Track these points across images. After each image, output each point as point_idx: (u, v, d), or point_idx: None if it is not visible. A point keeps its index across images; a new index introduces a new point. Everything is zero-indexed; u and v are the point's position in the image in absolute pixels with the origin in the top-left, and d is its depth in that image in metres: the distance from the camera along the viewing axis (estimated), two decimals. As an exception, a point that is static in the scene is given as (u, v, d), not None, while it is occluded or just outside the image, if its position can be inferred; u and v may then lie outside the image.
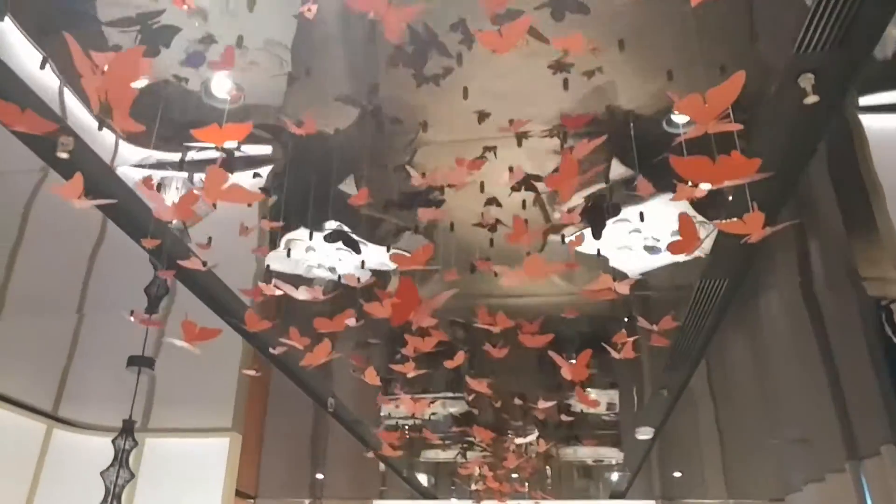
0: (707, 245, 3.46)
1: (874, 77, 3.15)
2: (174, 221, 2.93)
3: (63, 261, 4.04)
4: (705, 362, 5.94)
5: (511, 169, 2.72)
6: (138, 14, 2.26)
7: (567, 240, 3.35)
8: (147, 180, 1.82)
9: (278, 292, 2.53)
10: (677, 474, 8.19)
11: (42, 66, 2.27)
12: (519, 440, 4.46)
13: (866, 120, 4.75)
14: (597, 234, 3.86)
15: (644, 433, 6.01)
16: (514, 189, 2.65)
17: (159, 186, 2.78)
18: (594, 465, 8.82)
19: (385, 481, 9.36)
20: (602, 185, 2.96)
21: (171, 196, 3.78)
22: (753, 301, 6.44)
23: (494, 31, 1.78)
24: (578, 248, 4.09)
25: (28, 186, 3.18)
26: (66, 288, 4.17)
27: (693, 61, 2.53)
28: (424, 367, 3.26)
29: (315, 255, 3.64)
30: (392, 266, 3.19)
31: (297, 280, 2.68)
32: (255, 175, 3.50)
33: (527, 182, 2.57)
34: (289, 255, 3.47)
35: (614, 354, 2.69)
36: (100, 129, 2.37)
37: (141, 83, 1.47)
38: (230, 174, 1.51)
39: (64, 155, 1.84)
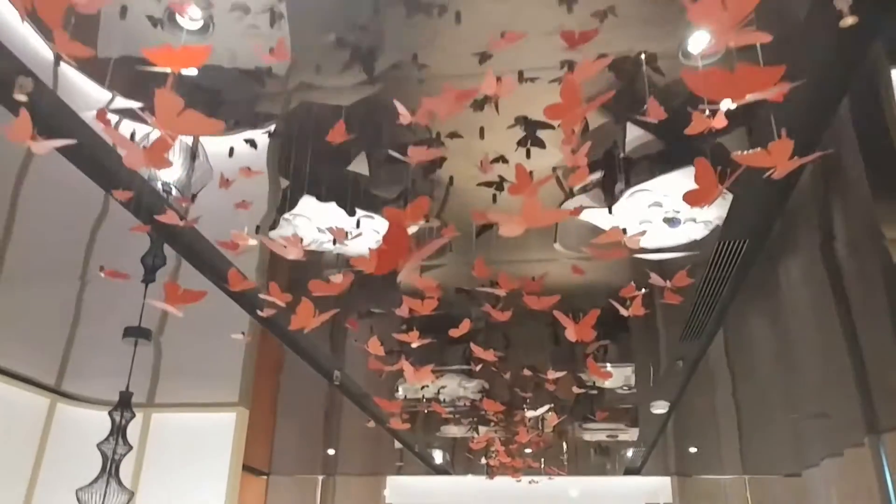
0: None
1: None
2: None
3: (64, 232, 3.98)
4: (722, 333, 5.80)
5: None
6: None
7: (576, 191, 3.23)
8: (101, 113, 1.70)
9: (252, 242, 2.43)
10: (693, 449, 8.09)
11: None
12: (531, 413, 4.36)
13: None
14: (609, 192, 3.73)
15: (659, 407, 5.91)
16: (520, 144, 2.52)
17: (132, 136, 2.66)
18: (609, 442, 8.72)
19: (400, 458, 9.35)
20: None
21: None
22: (772, 268, 6.28)
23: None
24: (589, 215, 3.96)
25: (21, 150, 3.11)
26: (68, 260, 4.12)
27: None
28: (429, 336, 3.17)
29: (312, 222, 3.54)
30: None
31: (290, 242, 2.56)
32: (250, 143, 3.41)
33: (532, 133, 2.44)
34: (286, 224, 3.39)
35: (623, 312, 2.56)
36: (56, 63, 2.27)
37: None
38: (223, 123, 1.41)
39: (21, 97, 1.73)
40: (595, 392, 6.25)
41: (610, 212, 3.06)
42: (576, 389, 4.21)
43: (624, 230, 2.29)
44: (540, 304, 2.50)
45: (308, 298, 2.21)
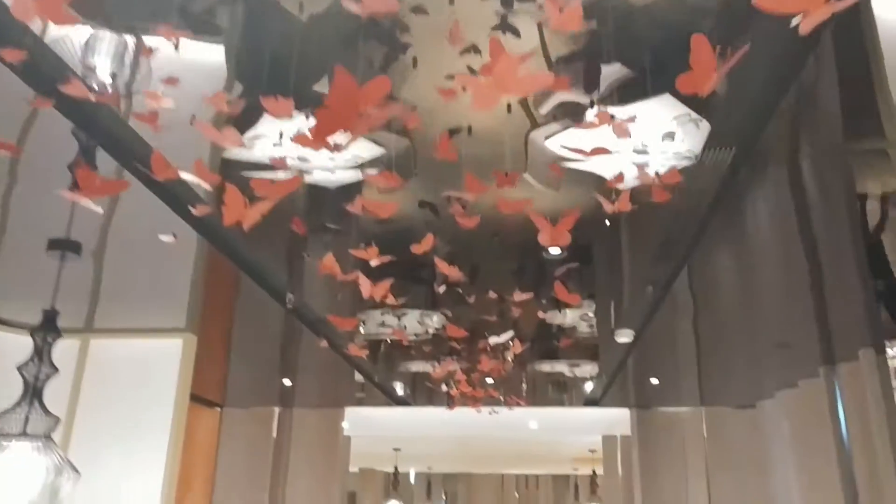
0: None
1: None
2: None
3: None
4: (688, 268, 5.72)
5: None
6: None
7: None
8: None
9: (169, 103, 2.13)
10: (654, 381, 8.14)
11: None
12: (493, 339, 4.20)
13: (878, 9, 4.34)
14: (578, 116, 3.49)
15: (624, 335, 5.84)
16: (496, 29, 2.25)
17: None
18: (569, 375, 8.73)
19: (360, 389, 9.25)
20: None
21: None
22: (742, 201, 6.18)
23: None
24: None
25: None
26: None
27: None
28: (388, 253, 2.95)
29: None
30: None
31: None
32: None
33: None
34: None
35: (607, 207, 2.37)
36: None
37: None
38: None
39: None
40: (560, 318, 6.18)
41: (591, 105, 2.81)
42: (541, 315, 4.05)
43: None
44: (512, 206, 2.27)
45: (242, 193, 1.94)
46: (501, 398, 6.81)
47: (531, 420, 9.53)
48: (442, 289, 3.69)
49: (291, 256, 4.94)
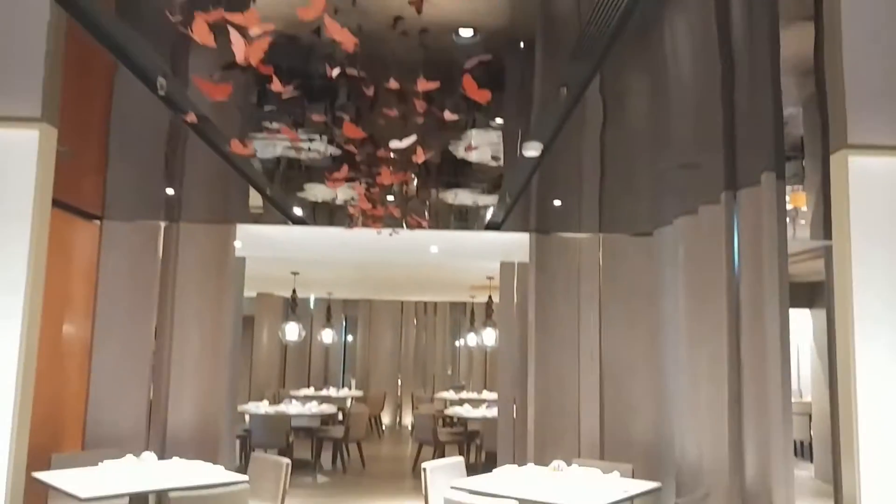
0: None
1: None
2: None
3: None
4: (601, 76, 5.43)
5: None
6: None
7: None
8: None
9: None
10: (556, 202, 8.11)
11: None
12: (395, 143, 3.83)
13: None
14: None
15: (532, 149, 5.59)
16: None
17: None
18: (472, 199, 8.58)
19: (253, 205, 8.80)
20: None
21: None
22: (661, 11, 5.86)
23: None
24: None
25: None
26: None
27: None
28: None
29: None
30: None
31: None
32: None
33: None
34: None
35: None
36: None
37: None
38: None
39: None
40: (464, 140, 5.88)
41: None
42: (448, 116, 3.68)
43: None
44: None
45: None
46: (402, 219, 6.55)
47: (432, 244, 9.47)
48: (335, 72, 3.23)
49: (165, 32, 4.26)
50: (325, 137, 6.49)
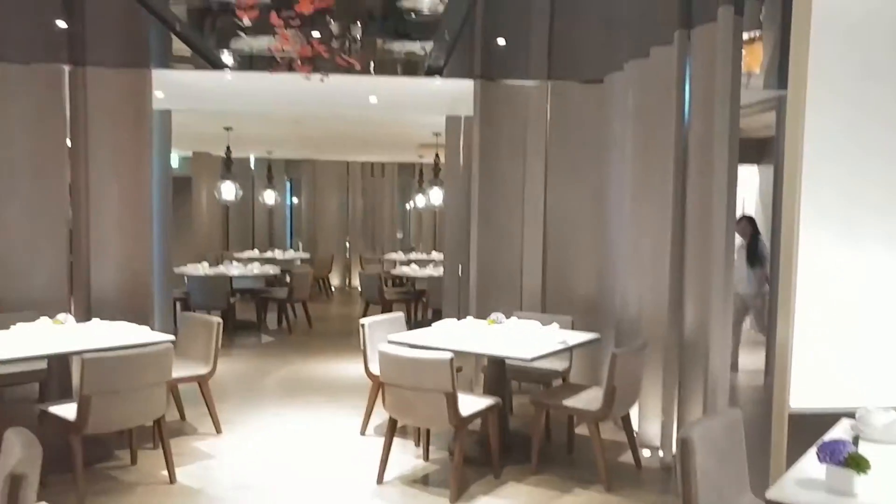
0: None
1: None
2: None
3: None
4: None
5: None
6: None
7: None
8: None
9: None
10: (501, 41, 7.51)
11: None
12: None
13: None
14: None
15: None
16: None
17: None
18: (412, 42, 7.92)
19: (169, 48, 8.00)
20: None
21: None
22: None
23: None
24: None
25: None
26: None
27: None
28: None
29: None
30: None
31: None
32: None
33: None
34: None
35: None
36: None
37: None
38: None
39: None
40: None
41: None
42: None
43: None
44: None
45: None
46: (332, 56, 5.94)
47: (370, 94, 8.86)
48: None
49: None
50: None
